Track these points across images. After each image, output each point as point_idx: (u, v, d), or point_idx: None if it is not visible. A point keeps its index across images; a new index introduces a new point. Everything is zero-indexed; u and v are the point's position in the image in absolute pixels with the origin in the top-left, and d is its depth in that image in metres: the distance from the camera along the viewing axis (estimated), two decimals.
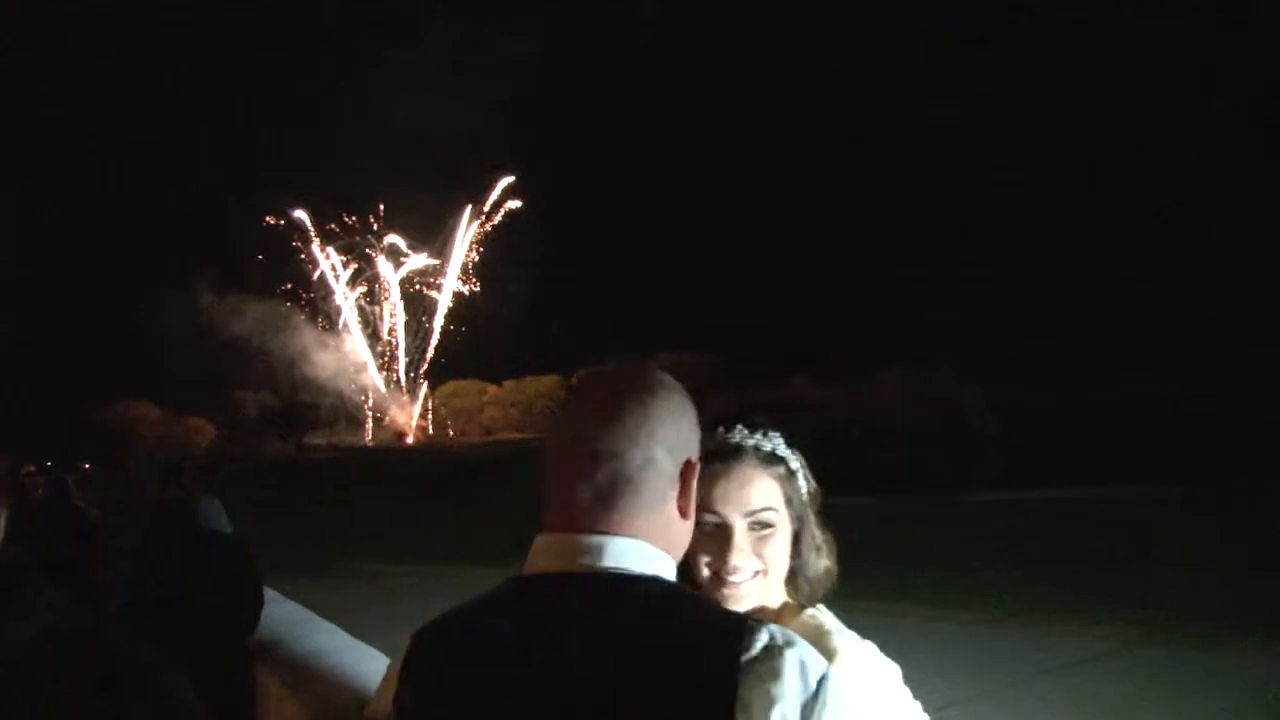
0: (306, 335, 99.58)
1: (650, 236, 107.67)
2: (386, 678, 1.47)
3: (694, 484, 1.45)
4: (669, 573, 1.39)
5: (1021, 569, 14.07)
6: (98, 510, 7.99)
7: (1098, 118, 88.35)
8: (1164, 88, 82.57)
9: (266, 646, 4.88)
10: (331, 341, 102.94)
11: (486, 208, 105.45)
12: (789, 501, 1.83)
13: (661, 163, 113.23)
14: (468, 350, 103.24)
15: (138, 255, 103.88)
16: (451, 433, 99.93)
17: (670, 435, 1.42)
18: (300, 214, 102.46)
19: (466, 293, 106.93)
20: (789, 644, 1.26)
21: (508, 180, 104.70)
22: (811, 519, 1.87)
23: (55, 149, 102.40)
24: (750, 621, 1.29)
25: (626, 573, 1.33)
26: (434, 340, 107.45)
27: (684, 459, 1.44)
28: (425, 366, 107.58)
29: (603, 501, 1.37)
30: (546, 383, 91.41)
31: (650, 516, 1.39)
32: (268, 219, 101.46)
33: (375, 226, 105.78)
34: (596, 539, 1.35)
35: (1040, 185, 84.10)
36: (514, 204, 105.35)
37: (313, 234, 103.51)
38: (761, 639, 1.25)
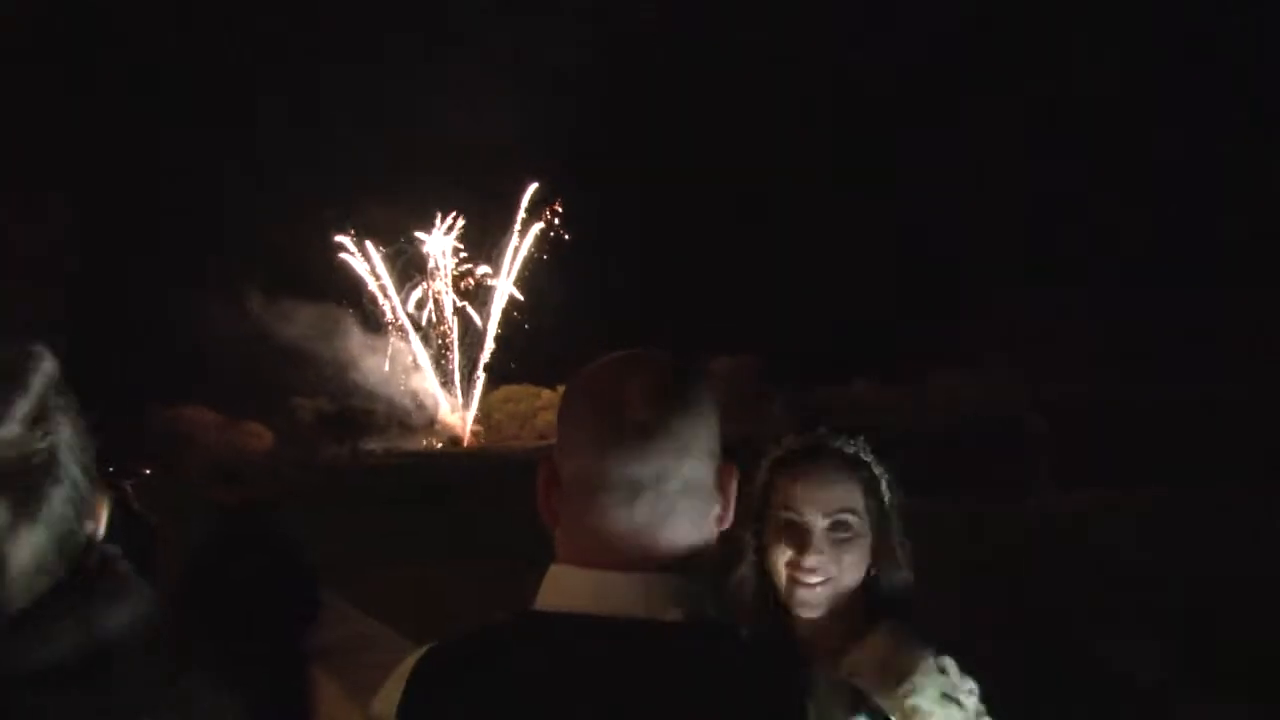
0: (360, 340, 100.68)
1: (703, 238, 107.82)
2: (388, 689, 1.27)
3: (733, 490, 1.31)
4: (712, 604, 1.24)
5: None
6: (156, 515, 8.08)
7: (1159, 119, 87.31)
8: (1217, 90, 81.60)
9: (323, 650, 4.92)
10: (383, 346, 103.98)
11: (523, 212, 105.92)
12: (870, 508, 1.79)
13: (713, 165, 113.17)
14: (521, 354, 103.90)
15: (190, 259, 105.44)
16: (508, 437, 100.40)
17: (710, 443, 1.27)
18: (347, 221, 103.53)
19: (519, 297, 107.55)
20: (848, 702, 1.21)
21: (555, 185, 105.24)
22: (895, 528, 1.83)
23: (105, 153, 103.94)
24: (806, 681, 1.22)
25: (670, 620, 1.19)
26: (488, 345, 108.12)
27: (720, 465, 1.29)
28: (479, 371, 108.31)
29: (642, 533, 1.22)
30: None
31: (693, 541, 1.25)
32: (326, 229, 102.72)
33: (429, 231, 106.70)
34: (637, 577, 1.20)
35: (1100, 185, 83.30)
36: (564, 208, 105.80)
37: (364, 239, 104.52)
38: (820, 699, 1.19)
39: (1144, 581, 13.10)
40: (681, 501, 1.23)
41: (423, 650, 1.27)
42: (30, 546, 1.07)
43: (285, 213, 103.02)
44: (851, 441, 1.83)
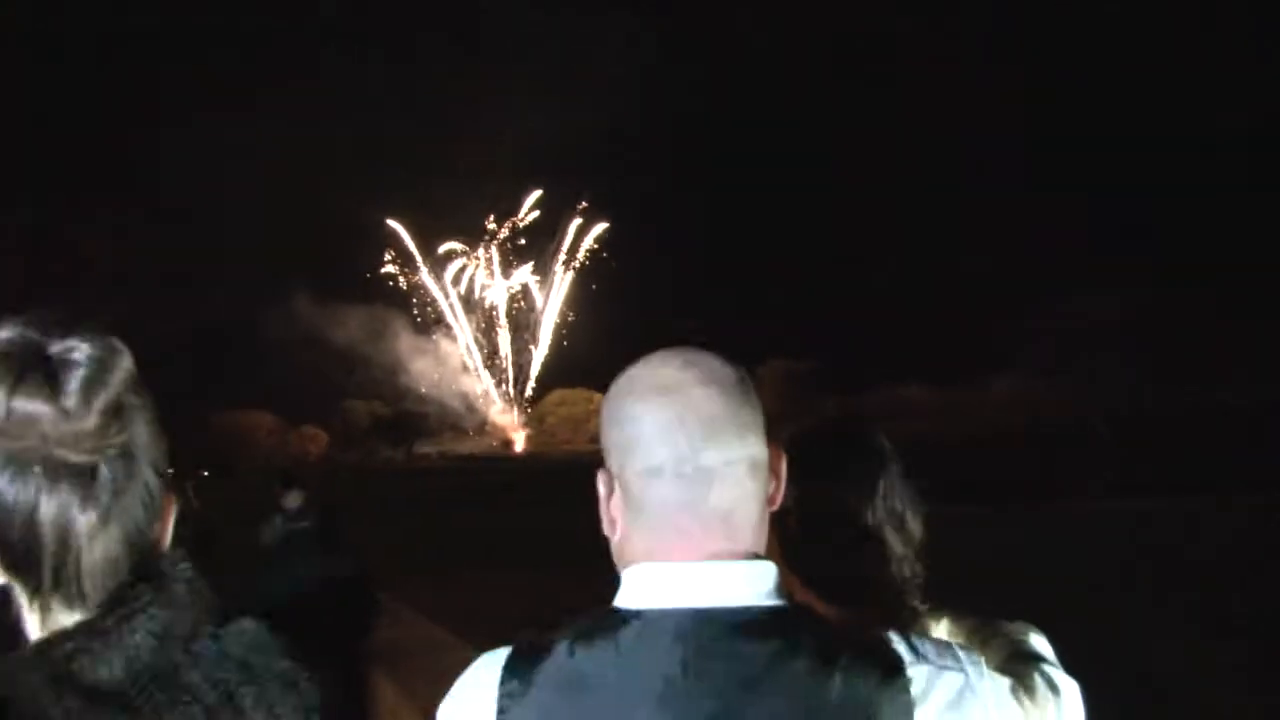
0: (409, 343, 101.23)
1: (756, 241, 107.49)
2: (471, 693, 1.25)
3: (784, 470, 1.32)
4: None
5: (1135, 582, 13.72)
6: (216, 517, 8.17)
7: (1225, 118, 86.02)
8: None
9: (381, 651, 4.95)
10: (433, 348, 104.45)
11: (578, 216, 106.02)
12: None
13: (768, 169, 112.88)
14: (573, 359, 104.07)
15: (247, 263, 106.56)
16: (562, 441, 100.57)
17: (762, 424, 1.28)
18: (396, 225, 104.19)
19: (572, 301, 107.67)
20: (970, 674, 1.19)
21: (611, 186, 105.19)
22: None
23: (166, 159, 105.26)
24: (906, 652, 1.19)
25: (767, 606, 1.19)
26: (540, 349, 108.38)
27: (771, 446, 1.29)
28: (532, 375, 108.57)
29: (720, 517, 1.23)
30: None
31: (761, 522, 1.27)
32: (379, 232, 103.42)
33: (483, 236, 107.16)
34: (732, 566, 1.21)
35: (1158, 190, 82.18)
36: (619, 210, 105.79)
37: (413, 244, 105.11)
38: (931, 673, 1.18)
39: (1207, 585, 12.94)
40: (749, 482, 1.24)
41: (506, 652, 1.26)
42: (102, 544, 1.08)
43: (338, 214, 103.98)
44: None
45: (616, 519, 1.30)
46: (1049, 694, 1.53)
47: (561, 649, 1.21)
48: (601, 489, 1.31)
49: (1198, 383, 43.19)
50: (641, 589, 1.23)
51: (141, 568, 1.13)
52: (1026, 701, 1.49)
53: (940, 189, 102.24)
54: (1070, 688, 1.57)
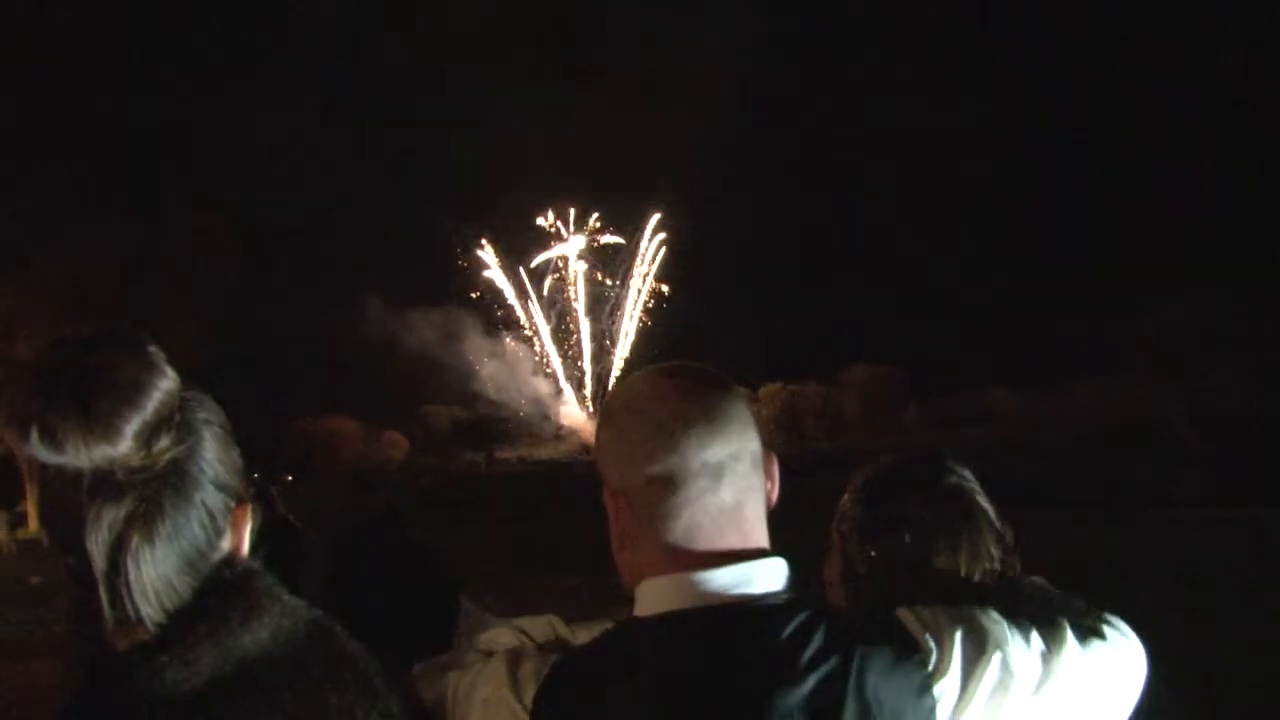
0: (484, 345, 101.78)
1: (836, 247, 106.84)
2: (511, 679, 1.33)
3: (776, 472, 1.37)
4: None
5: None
6: (299, 523, 8.25)
7: None
8: None
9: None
10: (508, 351, 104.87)
11: (655, 215, 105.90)
12: None
13: (845, 175, 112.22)
14: (652, 362, 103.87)
15: (327, 267, 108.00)
16: None
17: (753, 422, 1.34)
18: (481, 239, 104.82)
19: (651, 305, 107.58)
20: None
21: (697, 189, 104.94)
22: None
23: (250, 166, 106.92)
24: (913, 635, 1.23)
25: (782, 600, 1.24)
26: (620, 354, 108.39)
27: (762, 448, 1.35)
28: (612, 380, 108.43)
29: (732, 512, 1.28)
30: None
31: (764, 517, 1.33)
32: (457, 232, 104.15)
33: (564, 236, 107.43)
34: (739, 567, 1.25)
35: (1246, 186, 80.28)
36: (697, 220, 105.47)
37: (489, 248, 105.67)
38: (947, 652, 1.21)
39: None
40: (754, 478, 1.30)
41: (552, 659, 1.31)
42: (153, 566, 1.08)
43: (416, 216, 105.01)
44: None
45: (627, 533, 1.34)
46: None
47: (586, 657, 1.29)
48: (610, 505, 1.36)
49: None
50: (657, 597, 1.27)
51: (207, 584, 1.13)
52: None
53: (1021, 193, 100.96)
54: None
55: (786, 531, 1.63)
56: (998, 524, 1.74)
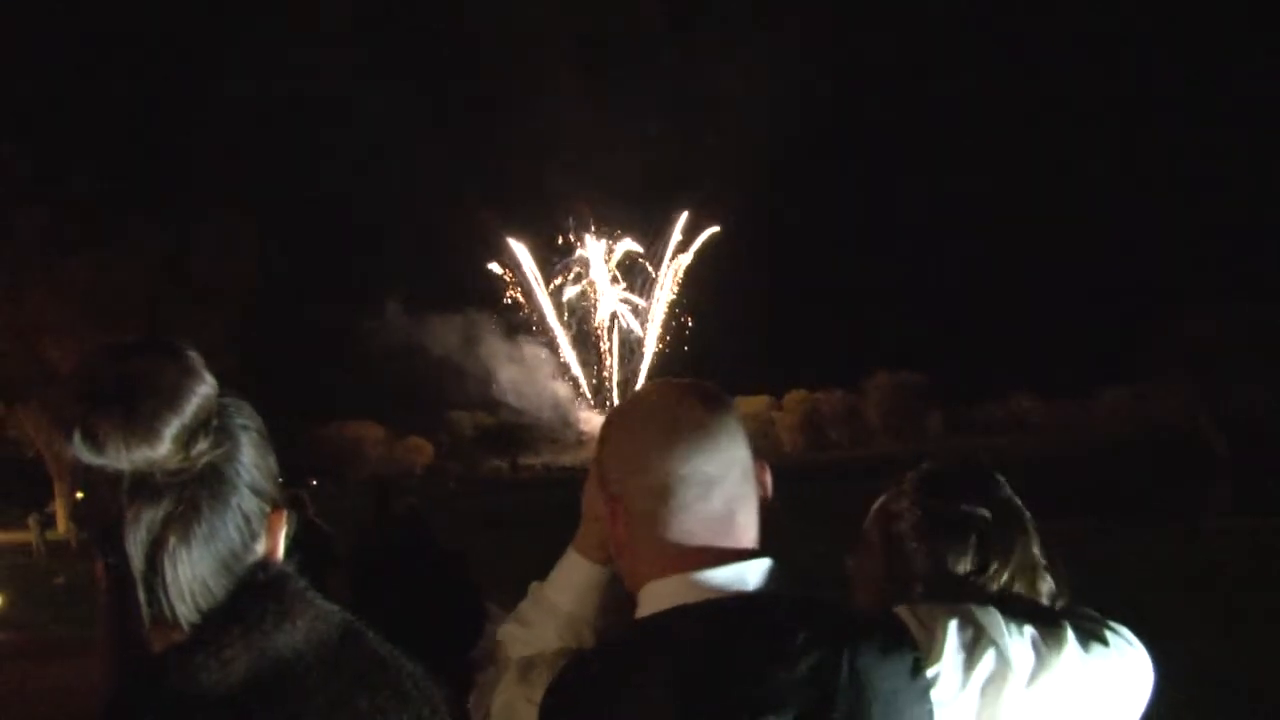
0: (506, 351, 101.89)
1: (863, 256, 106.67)
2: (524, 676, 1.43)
3: (768, 481, 1.41)
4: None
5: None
6: (329, 527, 8.30)
7: None
8: None
9: (487, 664, 4.98)
10: (530, 357, 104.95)
11: (683, 219, 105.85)
12: None
13: (872, 186, 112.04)
14: (677, 371, 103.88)
15: (352, 275, 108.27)
16: None
17: (744, 433, 1.38)
18: (517, 243, 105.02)
19: (676, 312, 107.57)
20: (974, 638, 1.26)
21: (723, 199, 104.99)
22: None
23: (277, 176, 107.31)
24: (904, 625, 1.26)
25: (773, 596, 1.29)
26: (645, 362, 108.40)
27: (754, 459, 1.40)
28: (638, 384, 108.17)
29: (724, 519, 1.32)
30: (757, 403, 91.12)
31: (756, 523, 1.36)
32: (481, 237, 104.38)
33: (593, 240, 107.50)
34: (732, 567, 1.30)
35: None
36: (724, 226, 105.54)
37: (521, 246, 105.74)
38: (938, 642, 1.24)
39: None
40: (745, 487, 1.35)
41: (552, 687, 1.34)
42: (189, 567, 1.09)
43: (439, 222, 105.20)
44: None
45: (625, 540, 1.38)
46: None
47: (594, 661, 1.33)
48: (608, 512, 1.40)
49: None
50: (660, 599, 1.31)
51: (242, 586, 1.14)
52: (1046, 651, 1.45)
53: (1049, 203, 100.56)
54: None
55: (815, 541, 1.64)
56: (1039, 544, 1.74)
